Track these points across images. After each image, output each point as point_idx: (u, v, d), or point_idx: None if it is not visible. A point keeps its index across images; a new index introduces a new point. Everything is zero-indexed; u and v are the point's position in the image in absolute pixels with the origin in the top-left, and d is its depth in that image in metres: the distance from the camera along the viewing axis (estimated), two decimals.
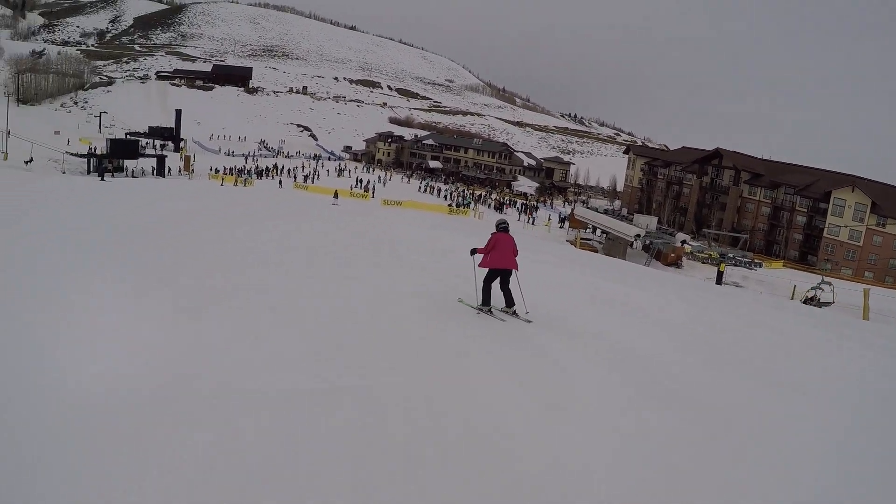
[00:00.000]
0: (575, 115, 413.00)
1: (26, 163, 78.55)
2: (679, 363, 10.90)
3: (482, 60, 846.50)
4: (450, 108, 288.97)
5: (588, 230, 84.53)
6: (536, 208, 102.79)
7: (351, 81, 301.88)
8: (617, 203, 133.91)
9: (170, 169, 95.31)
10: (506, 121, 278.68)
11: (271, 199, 48.49)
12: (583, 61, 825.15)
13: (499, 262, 12.54)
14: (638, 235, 70.69)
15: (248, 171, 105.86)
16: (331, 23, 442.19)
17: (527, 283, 13.18)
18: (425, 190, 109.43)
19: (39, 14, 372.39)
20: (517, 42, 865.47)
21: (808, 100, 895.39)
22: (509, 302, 12.72)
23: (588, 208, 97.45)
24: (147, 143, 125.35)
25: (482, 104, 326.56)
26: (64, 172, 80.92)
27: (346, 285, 14.31)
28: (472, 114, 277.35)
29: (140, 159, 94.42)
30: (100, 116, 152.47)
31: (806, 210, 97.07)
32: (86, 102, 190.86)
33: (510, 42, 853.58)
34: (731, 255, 73.67)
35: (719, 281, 54.62)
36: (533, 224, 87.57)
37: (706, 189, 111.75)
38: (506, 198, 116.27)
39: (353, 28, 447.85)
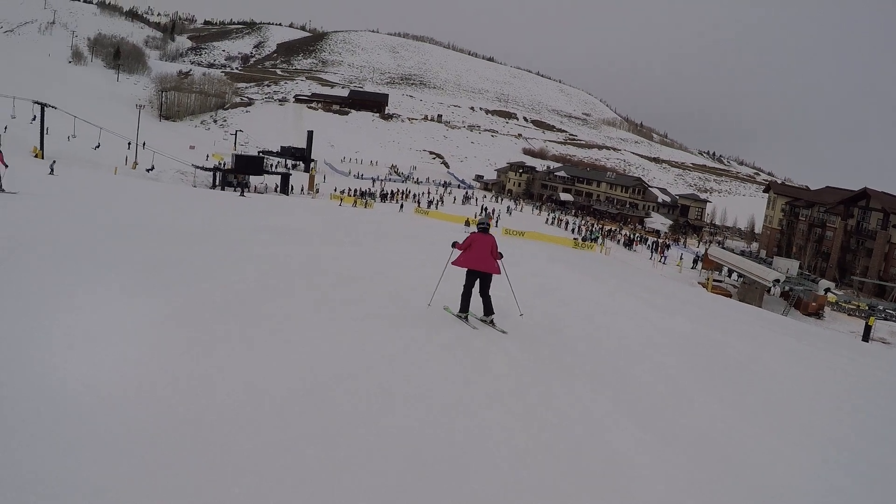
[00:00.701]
0: (713, 153, 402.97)
1: (147, 170, 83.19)
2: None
3: (620, 94, 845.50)
4: (585, 141, 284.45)
5: (722, 272, 79.04)
6: (668, 246, 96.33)
7: (486, 112, 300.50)
8: (754, 245, 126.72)
9: (292, 187, 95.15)
10: (642, 156, 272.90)
11: (382, 221, 46.57)
12: (723, 98, 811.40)
13: (472, 262, 12.06)
14: (777, 280, 63.76)
15: (371, 194, 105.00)
16: (469, 53, 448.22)
17: (639, 328, 13.26)
18: (553, 222, 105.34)
19: (188, 37, 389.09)
20: (656, 76, 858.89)
21: None
22: (487, 310, 12.20)
23: (724, 248, 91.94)
24: (277, 162, 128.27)
25: (618, 138, 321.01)
26: (195, 186, 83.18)
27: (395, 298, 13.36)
28: (607, 147, 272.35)
29: (265, 176, 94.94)
30: (235, 134, 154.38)
31: None
32: (224, 121, 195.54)
33: (649, 76, 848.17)
34: (881, 308, 64.95)
35: (866, 337, 48.02)
36: (664, 263, 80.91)
37: (851, 233, 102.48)
38: (636, 234, 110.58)
39: (490, 59, 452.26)
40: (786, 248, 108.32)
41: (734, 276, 76.48)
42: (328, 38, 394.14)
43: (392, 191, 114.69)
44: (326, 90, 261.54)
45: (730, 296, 61.36)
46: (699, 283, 69.71)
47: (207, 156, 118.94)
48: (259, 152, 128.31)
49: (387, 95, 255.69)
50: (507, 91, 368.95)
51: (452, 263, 12.62)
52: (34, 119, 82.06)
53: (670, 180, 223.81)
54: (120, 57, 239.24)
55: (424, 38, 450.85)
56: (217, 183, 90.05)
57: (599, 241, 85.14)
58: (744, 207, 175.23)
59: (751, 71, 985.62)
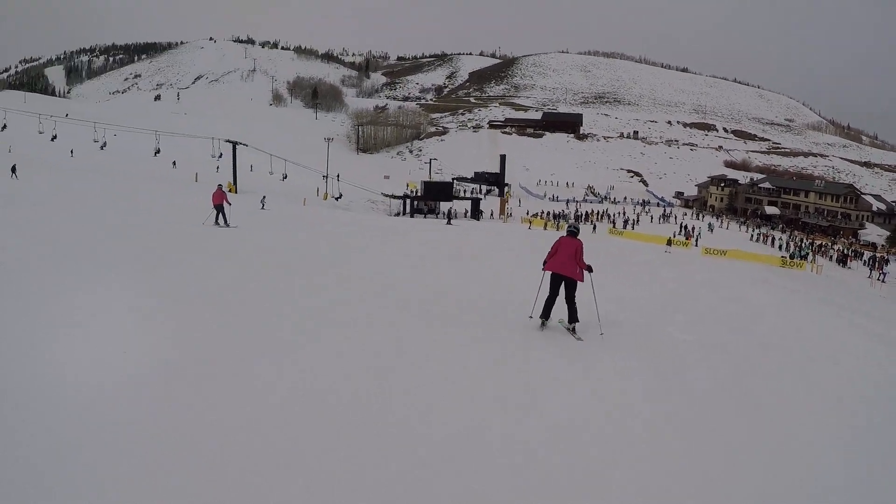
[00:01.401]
0: None
1: (336, 199, 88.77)
2: None
3: (823, 96, 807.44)
4: (790, 149, 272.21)
5: None
6: (886, 261, 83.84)
7: (684, 125, 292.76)
8: None
9: (482, 212, 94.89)
10: (852, 161, 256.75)
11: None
12: None
13: (553, 266, 12.15)
14: None
15: (563, 216, 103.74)
16: (661, 66, 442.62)
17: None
18: (757, 238, 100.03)
19: (382, 74, 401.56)
20: (861, 73, 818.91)
21: None
22: (570, 317, 12.10)
23: None
24: (473, 188, 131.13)
25: (825, 144, 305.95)
26: (393, 214, 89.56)
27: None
28: (814, 154, 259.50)
29: (455, 202, 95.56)
30: (429, 163, 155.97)
31: None
32: (419, 150, 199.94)
33: (853, 74, 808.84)
34: None
35: None
36: (883, 281, 69.25)
37: None
38: (850, 248, 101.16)
39: (684, 70, 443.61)
40: None
41: None
42: (518, 63, 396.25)
43: (586, 212, 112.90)
44: (520, 114, 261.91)
45: None
46: None
47: (408, 185, 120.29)
48: (453, 178, 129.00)
49: (580, 115, 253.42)
50: (703, 101, 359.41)
51: (543, 269, 12.45)
52: (220, 156, 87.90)
53: (884, 186, 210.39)
54: (318, 96, 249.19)
55: (615, 55, 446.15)
56: (406, 210, 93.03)
57: (810, 257, 79.10)
58: None
59: None
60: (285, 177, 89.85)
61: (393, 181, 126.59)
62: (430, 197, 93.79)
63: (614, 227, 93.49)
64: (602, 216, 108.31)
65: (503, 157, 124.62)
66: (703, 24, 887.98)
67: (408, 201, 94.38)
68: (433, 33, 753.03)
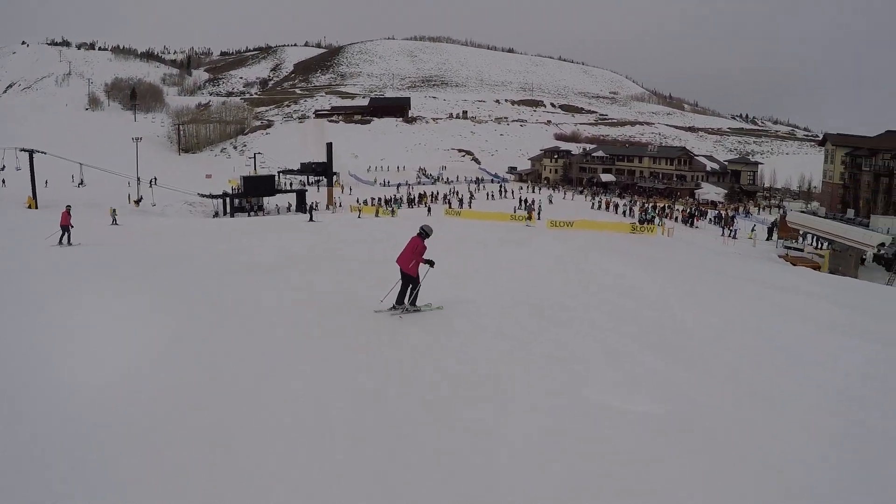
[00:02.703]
0: (746, 116, 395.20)
1: (136, 202, 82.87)
2: None
3: (645, 69, 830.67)
4: (617, 119, 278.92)
5: (798, 241, 69.66)
6: (732, 219, 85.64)
7: (513, 103, 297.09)
8: (814, 204, 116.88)
9: (316, 204, 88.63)
10: (677, 127, 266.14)
11: (399, 230, 39.55)
12: (749, 59, 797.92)
13: (398, 259, 14.45)
14: (883, 244, 53.29)
15: (396, 200, 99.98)
16: (488, 47, 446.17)
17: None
18: (599, 206, 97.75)
19: (205, 70, 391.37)
20: (677, 45, 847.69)
21: None
22: (399, 299, 14.62)
23: (804, 212, 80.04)
24: (300, 180, 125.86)
25: (650, 113, 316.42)
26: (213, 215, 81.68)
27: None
28: (640, 123, 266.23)
29: (278, 195, 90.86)
30: (254, 158, 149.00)
31: None
32: (244, 146, 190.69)
33: (671, 46, 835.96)
34: None
35: None
36: (734, 237, 70.97)
37: None
38: (694, 208, 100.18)
39: (510, 50, 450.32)
40: (854, 204, 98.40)
41: (814, 243, 68.02)
42: (345, 52, 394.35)
43: (420, 194, 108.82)
44: (347, 102, 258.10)
45: (818, 267, 52.85)
46: (781, 256, 61.14)
47: (228, 182, 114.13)
48: (279, 172, 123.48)
49: (408, 98, 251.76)
50: (531, 80, 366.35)
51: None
52: (18, 169, 79.08)
53: (710, 148, 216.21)
54: (136, 97, 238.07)
55: (441, 39, 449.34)
56: (226, 210, 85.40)
57: (657, 221, 76.24)
58: (791, 166, 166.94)
59: (772, 23, 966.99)
60: (82, 183, 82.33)
61: (217, 180, 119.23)
62: (252, 193, 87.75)
63: (450, 207, 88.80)
64: (436, 197, 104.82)
65: (329, 146, 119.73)
66: (527, 4, 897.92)
67: (227, 200, 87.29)
68: (257, 26, 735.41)
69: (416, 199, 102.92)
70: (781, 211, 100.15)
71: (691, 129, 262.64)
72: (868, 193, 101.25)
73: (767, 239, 73.48)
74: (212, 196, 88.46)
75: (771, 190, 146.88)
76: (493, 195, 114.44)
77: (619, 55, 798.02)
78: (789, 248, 65.84)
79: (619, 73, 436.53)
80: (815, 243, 68.53)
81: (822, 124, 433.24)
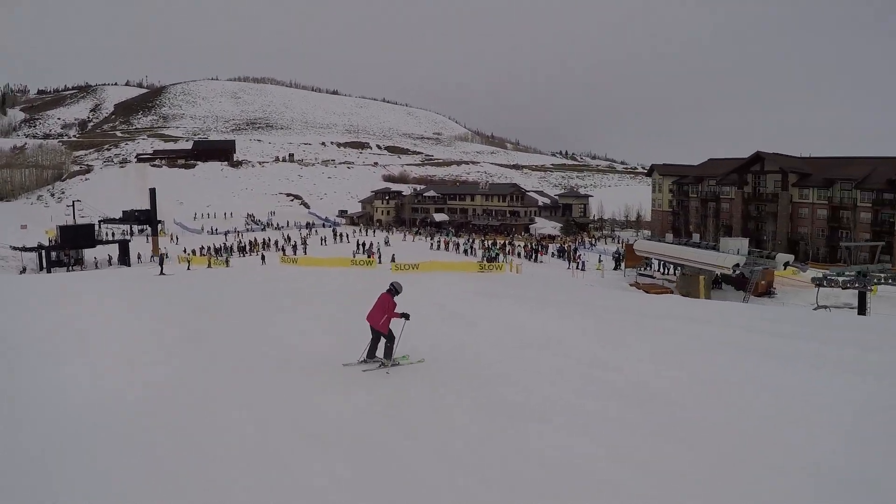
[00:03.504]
0: (566, 152, 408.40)
1: None
2: None
3: (467, 111, 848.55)
4: (442, 159, 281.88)
5: (644, 267, 71.75)
6: (576, 251, 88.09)
7: (339, 145, 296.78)
8: (646, 233, 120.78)
9: (140, 255, 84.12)
10: (502, 165, 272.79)
11: (237, 284, 39.31)
12: (564, 99, 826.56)
13: (367, 316, 14.75)
14: (738, 265, 54.90)
15: (227, 249, 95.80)
16: (312, 89, 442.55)
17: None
18: (437, 246, 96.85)
19: (21, 109, 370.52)
20: (498, 89, 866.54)
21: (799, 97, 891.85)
22: (371, 352, 14.90)
23: (650, 240, 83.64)
24: (123, 230, 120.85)
25: (474, 152, 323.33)
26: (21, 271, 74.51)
27: None
28: (466, 162, 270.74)
29: (101, 247, 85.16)
30: (73, 205, 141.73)
31: (870, 204, 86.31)
32: (62, 193, 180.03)
33: (491, 90, 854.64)
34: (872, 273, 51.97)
35: (863, 309, 44.18)
36: (583, 269, 72.85)
37: (749, 200, 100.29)
38: (536, 243, 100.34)
39: (335, 92, 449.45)
40: (684, 229, 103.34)
41: (660, 269, 71.31)
42: (167, 92, 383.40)
43: (250, 241, 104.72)
44: (170, 145, 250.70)
45: (670, 292, 54.31)
46: (632, 285, 62.81)
47: (46, 233, 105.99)
48: (99, 221, 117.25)
49: (233, 142, 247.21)
50: (356, 122, 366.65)
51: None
52: None
53: (535, 184, 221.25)
54: None
55: (266, 80, 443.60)
56: (42, 265, 79.97)
57: (501, 258, 76.49)
58: (616, 198, 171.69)
59: (587, 62, 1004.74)
60: None
61: (34, 230, 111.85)
62: (70, 244, 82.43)
63: (284, 254, 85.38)
64: (268, 244, 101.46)
65: (153, 192, 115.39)
66: (350, 46, 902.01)
67: (43, 253, 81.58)
68: (76, 62, 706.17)
69: (248, 247, 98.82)
70: (621, 241, 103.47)
71: (516, 167, 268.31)
72: (697, 218, 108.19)
73: (615, 268, 75.23)
74: (25, 249, 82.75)
75: (602, 221, 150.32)
76: (325, 240, 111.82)
77: (442, 97, 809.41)
78: (643, 275, 67.81)
79: (441, 114, 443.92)
80: (661, 269, 71.38)
81: (636, 157, 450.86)
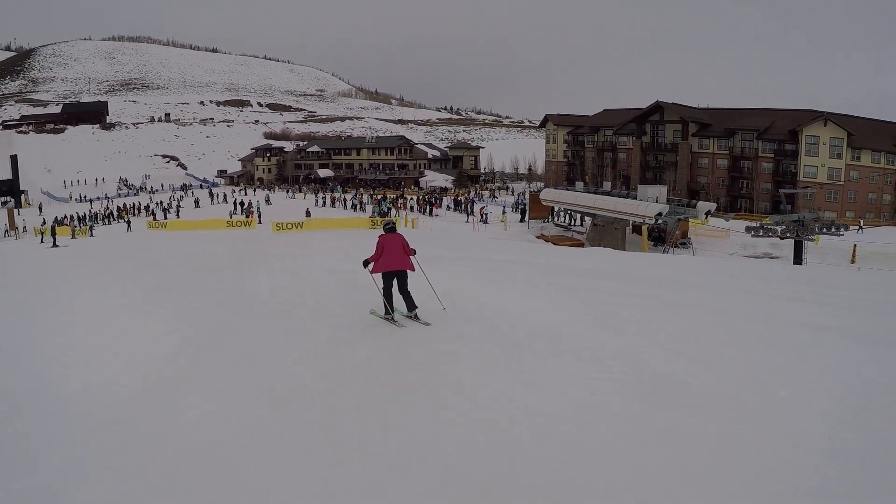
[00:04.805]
0: (451, 108, 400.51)
1: None
2: None
3: (350, 67, 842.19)
4: (326, 115, 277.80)
5: (549, 220, 67.99)
6: (473, 202, 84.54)
7: (218, 104, 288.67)
8: (540, 184, 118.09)
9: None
10: (387, 120, 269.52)
11: (83, 259, 34.31)
12: (449, 56, 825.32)
13: (389, 264, 12.70)
14: (660, 214, 51.08)
15: (90, 217, 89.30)
16: (190, 48, 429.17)
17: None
18: (324, 203, 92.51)
19: None
20: (381, 45, 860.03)
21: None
22: (409, 305, 12.86)
23: (562, 189, 77.73)
24: None
25: (359, 108, 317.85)
26: None
27: None
28: (350, 118, 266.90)
29: None
30: None
31: (772, 155, 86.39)
32: None
33: (375, 46, 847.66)
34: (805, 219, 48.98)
35: (799, 259, 43.31)
36: (486, 222, 69.40)
37: (647, 150, 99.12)
38: (431, 196, 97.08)
39: (214, 50, 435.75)
40: (581, 180, 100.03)
41: (566, 220, 67.96)
42: (36, 54, 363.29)
43: (118, 206, 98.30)
44: (39, 110, 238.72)
45: (581, 245, 50.77)
46: (538, 237, 59.31)
47: None
48: None
49: (106, 103, 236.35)
50: (236, 80, 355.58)
51: (372, 273, 12.83)
52: None
53: (421, 138, 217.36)
54: None
55: (142, 39, 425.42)
56: None
57: (393, 213, 72.86)
58: (504, 151, 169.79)
59: (465, 24, 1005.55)
60: None
61: None
62: None
63: (154, 219, 79.32)
64: (137, 209, 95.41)
65: (14, 158, 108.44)
66: (230, 4, 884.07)
67: None
68: None
69: (116, 214, 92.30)
70: (516, 192, 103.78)
71: (401, 122, 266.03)
72: (594, 168, 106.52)
73: (521, 220, 71.16)
74: None
75: (493, 174, 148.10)
76: (199, 201, 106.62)
77: (325, 54, 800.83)
78: (560, 226, 65.27)
79: (325, 70, 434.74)
80: (568, 220, 68.01)
81: (521, 113, 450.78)
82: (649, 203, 52.20)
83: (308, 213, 70.61)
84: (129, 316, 16.06)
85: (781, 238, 47.34)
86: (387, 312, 12.78)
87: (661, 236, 53.90)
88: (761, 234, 48.04)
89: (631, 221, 54.55)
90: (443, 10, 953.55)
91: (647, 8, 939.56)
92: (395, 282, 12.66)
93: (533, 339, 11.42)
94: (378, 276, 12.79)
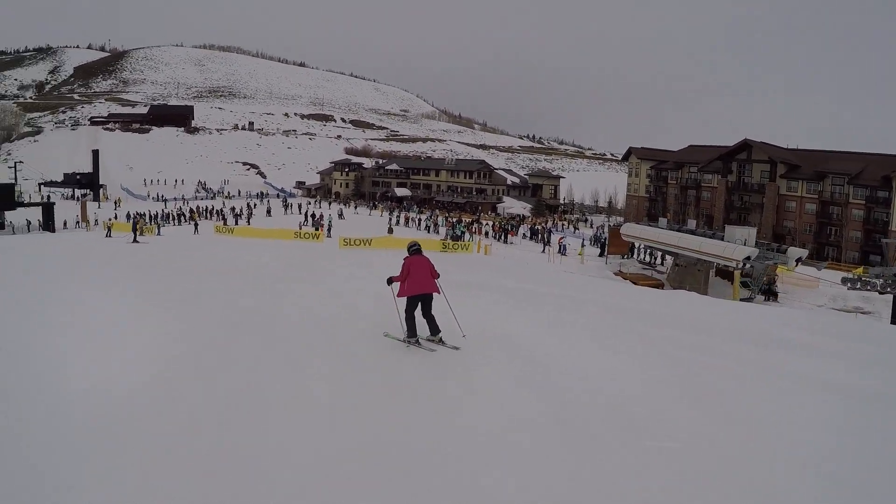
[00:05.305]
0: (533, 136, 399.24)
1: None
2: None
3: (435, 89, 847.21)
4: (408, 135, 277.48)
5: (626, 256, 64.54)
6: (550, 232, 79.16)
7: (302, 117, 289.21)
8: (620, 219, 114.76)
9: (65, 223, 77.60)
10: (468, 144, 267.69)
11: (141, 258, 33.39)
12: (534, 84, 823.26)
13: (416, 287, 12.42)
14: (748, 258, 46.22)
15: (163, 216, 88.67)
16: (279, 60, 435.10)
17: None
18: (396, 222, 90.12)
19: None
20: (467, 70, 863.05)
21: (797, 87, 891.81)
22: (433, 329, 12.54)
23: (644, 224, 71.50)
24: (63, 193, 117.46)
25: (441, 130, 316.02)
26: None
27: None
28: (432, 140, 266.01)
29: (21, 209, 77.90)
30: (14, 167, 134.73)
31: (863, 201, 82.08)
32: (8, 154, 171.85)
33: (460, 70, 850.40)
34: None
35: None
36: (564, 254, 64.44)
37: (732, 189, 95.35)
38: (506, 222, 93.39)
39: (302, 64, 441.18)
40: (661, 216, 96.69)
41: (646, 257, 64.10)
42: (129, 57, 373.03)
43: (191, 209, 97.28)
44: (127, 110, 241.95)
45: (661, 286, 47.59)
46: (616, 273, 55.95)
47: None
48: (39, 183, 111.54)
49: (191, 107, 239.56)
50: (321, 95, 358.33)
51: (398, 295, 12.61)
52: None
53: (501, 164, 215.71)
54: None
55: (232, 49, 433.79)
56: None
57: (467, 237, 69.65)
58: (585, 182, 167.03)
59: (552, 53, 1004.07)
60: None
61: None
62: None
63: (225, 223, 78.76)
64: (211, 213, 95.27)
65: (96, 153, 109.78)
66: (319, 19, 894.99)
67: None
68: (39, 24, 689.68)
69: (187, 216, 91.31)
70: (594, 225, 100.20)
71: (483, 147, 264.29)
72: (676, 206, 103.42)
73: (600, 255, 66.92)
74: None
75: (573, 205, 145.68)
76: (271, 210, 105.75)
77: (411, 75, 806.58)
78: (644, 264, 62.05)
79: (410, 91, 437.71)
80: (648, 258, 64.53)
81: (604, 146, 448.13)
82: (737, 245, 48.01)
83: (391, 230, 70.47)
84: (137, 318, 15.06)
85: (881, 293, 43.73)
86: (409, 335, 12.40)
87: (747, 283, 49.07)
88: (858, 286, 44.66)
89: (715, 264, 50.84)
90: (529, 39, 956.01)
91: (737, 46, 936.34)
92: (419, 305, 12.39)
93: (603, 419, 8.89)
94: (402, 299, 12.58)
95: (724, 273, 51.51)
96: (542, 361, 11.59)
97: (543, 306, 19.12)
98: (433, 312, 12.41)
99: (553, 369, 11.17)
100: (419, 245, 13.25)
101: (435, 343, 12.30)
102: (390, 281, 12.84)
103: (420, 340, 12.34)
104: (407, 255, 12.88)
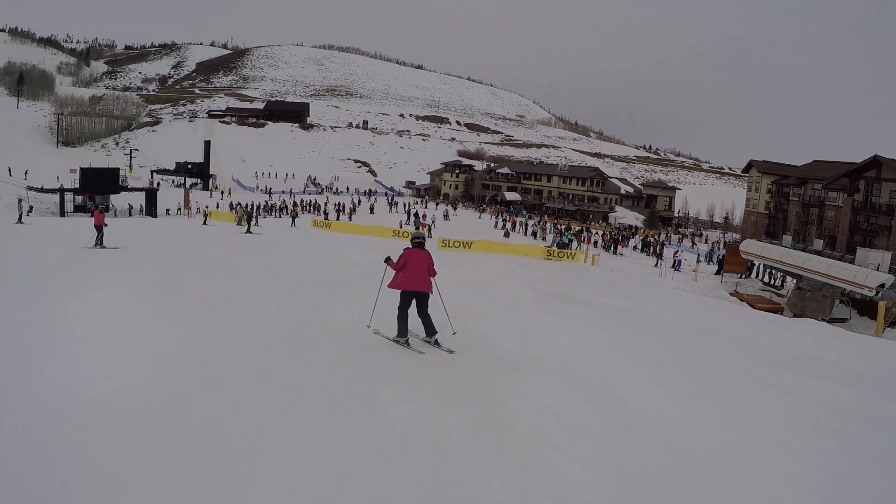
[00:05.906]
0: (649, 146, 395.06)
1: None
2: None
3: (551, 96, 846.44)
4: (522, 140, 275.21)
5: (743, 276, 59.20)
6: (663, 245, 74.74)
7: (417, 118, 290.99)
8: (736, 235, 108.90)
9: (167, 210, 77.23)
10: (583, 152, 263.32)
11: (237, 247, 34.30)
12: (652, 93, 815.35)
13: (410, 283, 11.67)
14: (883, 285, 40.52)
15: (264, 208, 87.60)
16: (397, 62, 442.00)
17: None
18: (503, 226, 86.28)
19: (105, 62, 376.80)
20: (584, 77, 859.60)
21: None
22: (429, 330, 11.92)
23: (765, 241, 63.45)
24: (174, 181, 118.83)
25: (556, 137, 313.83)
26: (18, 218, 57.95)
27: None
28: (546, 146, 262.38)
29: (125, 194, 78.58)
30: (130, 154, 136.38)
31: None
32: (127, 143, 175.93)
33: (578, 77, 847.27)
34: None
35: None
36: (678, 269, 60.13)
37: (858, 209, 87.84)
38: (614, 232, 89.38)
39: (419, 67, 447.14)
40: (780, 234, 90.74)
41: (765, 277, 58.31)
42: (250, 54, 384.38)
43: (295, 202, 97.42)
44: (245, 105, 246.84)
45: (780, 310, 42.98)
46: (731, 293, 51.03)
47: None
48: (152, 171, 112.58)
49: (307, 104, 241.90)
50: (437, 97, 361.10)
51: (389, 286, 12.01)
52: None
53: (616, 174, 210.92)
54: (23, 83, 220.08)
55: (350, 49, 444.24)
56: (63, 210, 73.15)
57: (575, 245, 65.56)
58: (701, 196, 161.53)
59: (673, 64, 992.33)
60: None
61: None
62: (91, 189, 75.48)
63: (326, 218, 77.34)
64: (313, 206, 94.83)
65: (207, 144, 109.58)
66: (438, 22, 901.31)
67: (63, 196, 74.72)
68: (166, 22, 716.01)
69: (289, 208, 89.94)
70: (709, 241, 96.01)
71: (598, 155, 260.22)
72: (797, 224, 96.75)
73: (717, 272, 62.03)
74: (42, 190, 75.92)
75: (688, 218, 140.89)
76: (374, 207, 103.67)
77: (528, 80, 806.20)
78: (767, 285, 56.37)
79: (526, 97, 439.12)
80: (767, 278, 58.58)
81: (722, 159, 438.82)
82: (871, 271, 42.41)
83: (507, 234, 69.93)
84: (136, 318, 13.65)
85: None
86: (399, 334, 11.80)
87: (845, 301, 44.48)
88: None
89: (841, 290, 44.94)
90: (647, 50, 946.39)
91: (867, 58, 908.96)
92: (413, 302, 11.80)
93: None
94: (395, 292, 11.98)
95: (849, 300, 45.44)
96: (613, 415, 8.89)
97: (641, 334, 15.52)
98: (429, 312, 11.84)
99: (625, 438, 8.06)
100: (423, 238, 12.54)
101: (430, 344, 11.81)
102: (387, 260, 12.36)
103: (410, 341, 11.81)
104: (409, 245, 12.20)
